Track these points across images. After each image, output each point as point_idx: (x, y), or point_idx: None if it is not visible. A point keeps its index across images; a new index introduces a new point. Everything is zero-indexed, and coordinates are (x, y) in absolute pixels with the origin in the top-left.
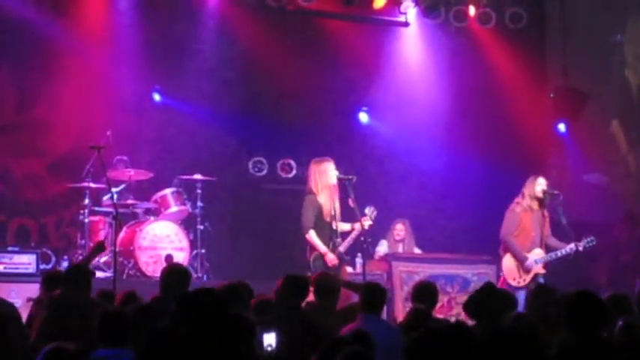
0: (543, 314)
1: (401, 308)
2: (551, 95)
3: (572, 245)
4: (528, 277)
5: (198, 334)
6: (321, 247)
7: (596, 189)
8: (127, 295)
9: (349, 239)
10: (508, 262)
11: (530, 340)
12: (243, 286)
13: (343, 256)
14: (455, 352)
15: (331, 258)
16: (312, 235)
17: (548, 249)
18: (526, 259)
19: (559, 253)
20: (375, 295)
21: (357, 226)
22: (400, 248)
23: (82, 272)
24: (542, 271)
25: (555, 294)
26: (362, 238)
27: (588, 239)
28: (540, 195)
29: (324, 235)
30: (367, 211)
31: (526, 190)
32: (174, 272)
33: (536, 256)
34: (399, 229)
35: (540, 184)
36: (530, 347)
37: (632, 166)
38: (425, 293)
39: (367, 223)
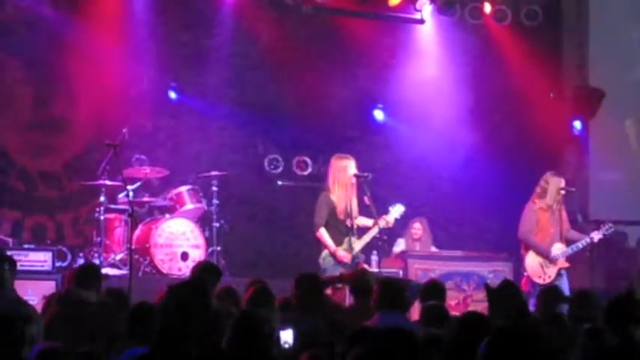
0: (553, 313)
1: (416, 306)
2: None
3: (591, 235)
4: (553, 274)
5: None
6: (331, 245)
7: (613, 187)
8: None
9: (366, 237)
10: (531, 260)
11: (534, 338)
12: (266, 288)
13: (358, 254)
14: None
15: (342, 255)
16: (323, 233)
17: (568, 242)
18: (549, 252)
19: (580, 245)
20: (389, 292)
21: (376, 229)
22: (417, 247)
23: (93, 271)
24: (566, 264)
25: (563, 294)
26: (378, 235)
27: (607, 226)
28: (562, 192)
29: (338, 233)
30: (392, 208)
31: (549, 188)
32: (205, 268)
33: (557, 250)
34: (417, 227)
35: (562, 182)
36: (532, 346)
37: None
38: (433, 292)
39: (389, 219)
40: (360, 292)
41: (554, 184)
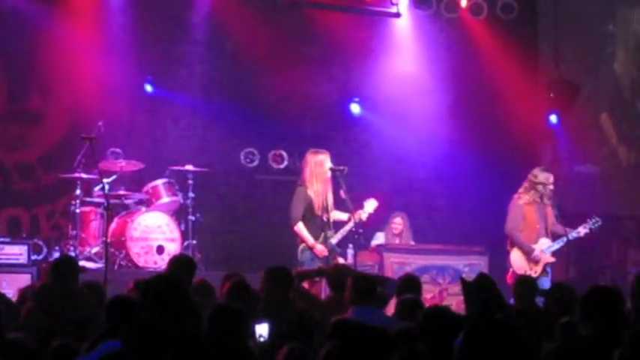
0: (529, 304)
1: (393, 300)
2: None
3: (578, 229)
4: (539, 268)
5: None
6: (309, 240)
7: (589, 180)
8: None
9: (342, 231)
10: (516, 255)
11: (509, 331)
12: (244, 281)
13: (335, 248)
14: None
15: (320, 249)
16: (300, 227)
17: (554, 237)
18: (532, 250)
19: (565, 239)
20: (363, 286)
21: (352, 223)
22: (397, 242)
23: (70, 264)
24: (552, 259)
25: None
26: (354, 229)
27: (593, 220)
28: (547, 192)
29: (315, 227)
30: (366, 203)
31: (537, 181)
32: (179, 261)
33: (543, 245)
34: (398, 222)
35: (551, 177)
36: (508, 339)
37: (622, 159)
38: (409, 286)
39: (364, 215)
40: (337, 286)
41: (542, 179)
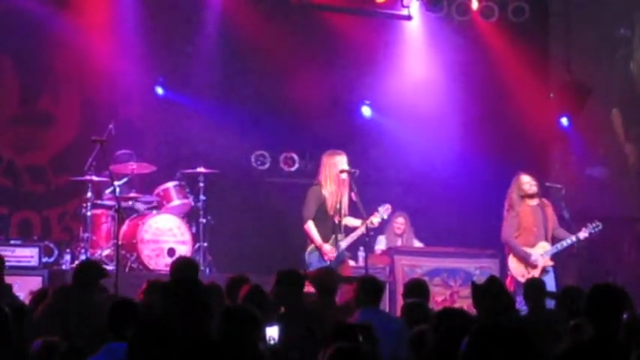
0: (539, 306)
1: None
2: (551, 95)
3: (578, 234)
4: (537, 272)
5: (190, 326)
6: (317, 240)
7: (599, 182)
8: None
9: (353, 235)
10: (513, 261)
11: (516, 335)
12: (259, 286)
13: (344, 251)
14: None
15: (327, 250)
16: (310, 226)
17: (555, 240)
18: (529, 255)
19: (564, 243)
20: (370, 288)
21: (363, 227)
22: (399, 242)
23: (90, 270)
24: (551, 263)
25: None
26: (365, 232)
27: (594, 225)
28: (531, 191)
29: (326, 229)
30: (381, 208)
31: (513, 194)
32: (184, 263)
33: (541, 249)
34: (400, 222)
35: (526, 182)
36: (514, 343)
37: (630, 159)
38: (415, 291)
39: (376, 220)
40: (324, 291)
41: (515, 189)
